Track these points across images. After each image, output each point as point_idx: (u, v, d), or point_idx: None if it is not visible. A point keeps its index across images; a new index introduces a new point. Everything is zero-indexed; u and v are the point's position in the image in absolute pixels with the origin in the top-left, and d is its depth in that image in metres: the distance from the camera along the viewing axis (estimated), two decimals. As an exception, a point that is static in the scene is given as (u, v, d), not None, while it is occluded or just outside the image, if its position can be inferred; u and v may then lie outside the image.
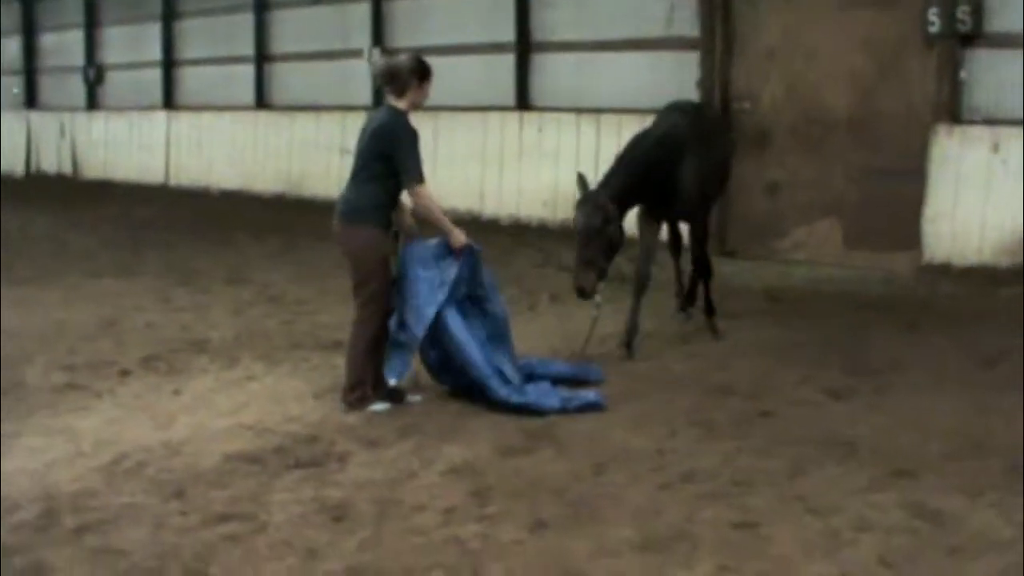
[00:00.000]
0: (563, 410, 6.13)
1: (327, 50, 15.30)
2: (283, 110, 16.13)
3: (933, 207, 10.26)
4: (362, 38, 14.75)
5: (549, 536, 4.53)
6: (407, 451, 5.56)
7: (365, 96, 14.72)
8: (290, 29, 15.99)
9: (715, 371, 7.21)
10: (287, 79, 16.14)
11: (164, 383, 6.86)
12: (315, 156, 15.38)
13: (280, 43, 16.20)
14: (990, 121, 9.92)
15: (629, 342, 7.53)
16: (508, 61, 13.38)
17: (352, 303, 6.33)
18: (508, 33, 13.39)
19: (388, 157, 6.04)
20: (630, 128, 12.24)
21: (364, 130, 6.26)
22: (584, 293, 6.95)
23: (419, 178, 6.01)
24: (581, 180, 7.23)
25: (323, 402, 6.37)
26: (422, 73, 6.18)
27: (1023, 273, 9.73)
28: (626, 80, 12.48)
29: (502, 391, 6.14)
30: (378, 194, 6.11)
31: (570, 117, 12.90)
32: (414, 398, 6.40)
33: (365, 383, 6.22)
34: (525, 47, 13.37)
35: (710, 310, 8.30)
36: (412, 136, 6.06)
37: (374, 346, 6.23)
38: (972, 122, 10.02)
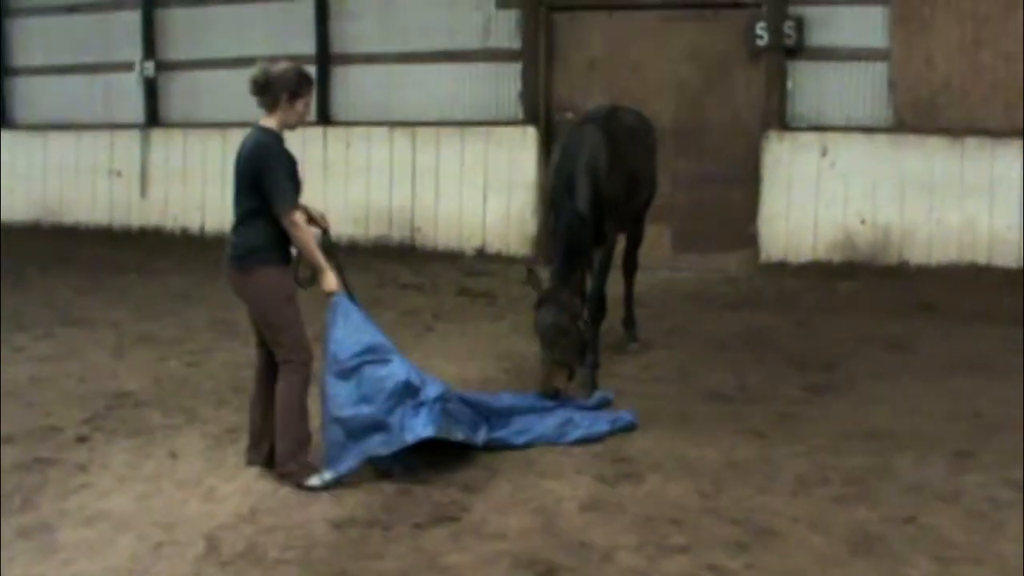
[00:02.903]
0: (611, 432, 6.08)
1: (89, 63, 13.63)
2: (33, 129, 14.27)
3: (768, 208, 11.06)
4: (132, 49, 13.36)
5: (762, 555, 4.48)
6: (512, 492, 5.23)
7: (137, 113, 13.37)
8: (40, 39, 14.06)
9: (682, 381, 7.34)
10: (37, 95, 14.23)
11: (143, 446, 5.93)
12: (77, 180, 13.77)
13: (26, 55, 14.27)
14: (816, 127, 10.85)
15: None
16: (307, 74, 12.70)
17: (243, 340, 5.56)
18: (306, 45, 12.69)
19: (261, 184, 5.26)
20: (449, 141, 12.30)
21: (238, 158, 5.43)
22: (558, 396, 6.36)
23: (285, 204, 5.21)
24: (532, 275, 6.77)
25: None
26: (295, 88, 5.32)
27: (855, 266, 10.78)
28: (442, 92, 12.31)
29: (552, 436, 5.94)
30: (268, 228, 5.28)
31: (382, 131, 12.53)
32: None
33: (305, 448, 5.37)
34: (325, 59, 12.74)
35: (632, 318, 8.48)
36: (280, 157, 5.27)
37: (305, 400, 5.39)
38: (800, 129, 10.91)
